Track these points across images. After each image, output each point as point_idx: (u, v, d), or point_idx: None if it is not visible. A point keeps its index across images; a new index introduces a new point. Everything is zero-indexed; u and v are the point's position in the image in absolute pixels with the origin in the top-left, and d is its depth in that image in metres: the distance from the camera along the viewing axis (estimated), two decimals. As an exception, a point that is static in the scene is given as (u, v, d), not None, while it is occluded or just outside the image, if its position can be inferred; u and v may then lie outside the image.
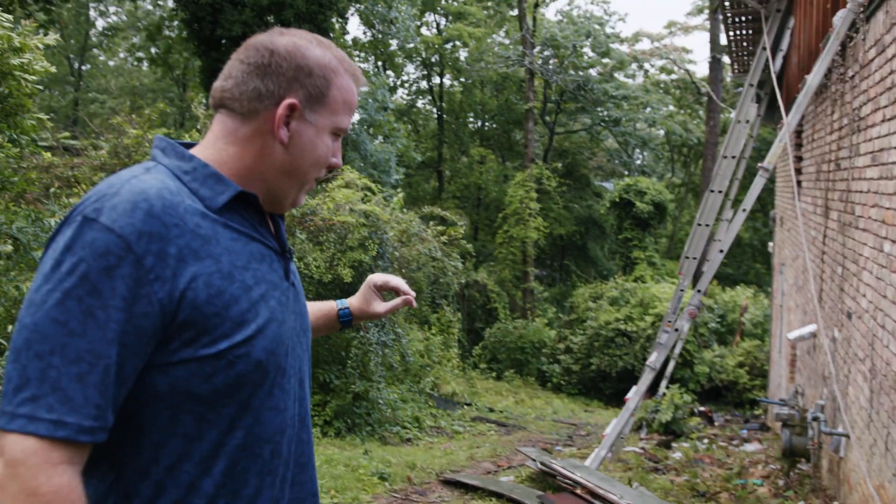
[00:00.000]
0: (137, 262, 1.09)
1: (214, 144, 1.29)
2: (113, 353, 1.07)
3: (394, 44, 21.21)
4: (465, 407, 11.72)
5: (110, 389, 1.08)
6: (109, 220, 1.09)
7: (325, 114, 1.31)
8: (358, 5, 18.34)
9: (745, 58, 10.91)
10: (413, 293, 1.75)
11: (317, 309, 1.74)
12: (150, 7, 24.37)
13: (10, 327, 4.63)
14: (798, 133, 8.17)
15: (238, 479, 1.21)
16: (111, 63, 29.83)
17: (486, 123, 28.60)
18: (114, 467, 1.15)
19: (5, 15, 4.44)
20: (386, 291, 1.80)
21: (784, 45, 8.22)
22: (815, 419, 5.65)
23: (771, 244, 12.31)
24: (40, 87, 4.84)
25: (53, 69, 4.85)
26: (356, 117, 17.09)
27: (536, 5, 23.90)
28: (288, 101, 1.26)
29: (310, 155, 1.31)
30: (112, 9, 27.62)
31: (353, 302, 1.77)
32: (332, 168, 1.38)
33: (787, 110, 6.94)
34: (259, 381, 1.21)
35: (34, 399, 1.04)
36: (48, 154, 7.63)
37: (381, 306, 1.75)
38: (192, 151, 1.29)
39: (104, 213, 1.10)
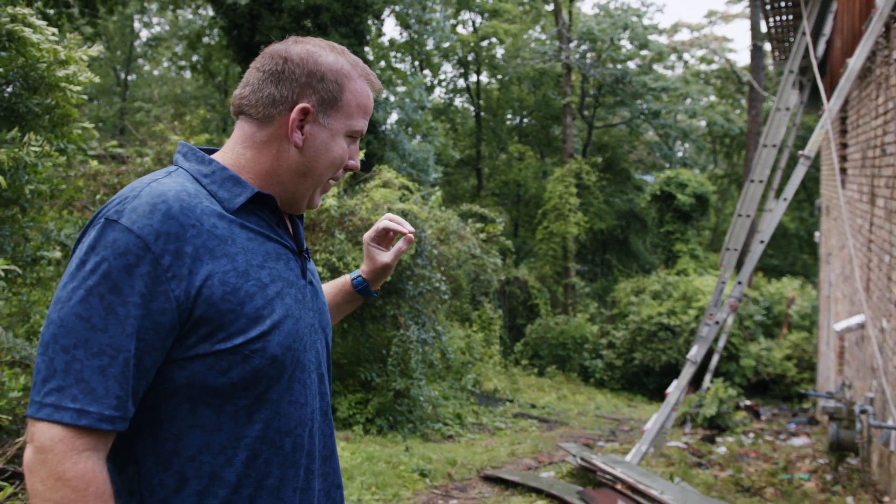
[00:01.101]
0: (155, 261, 1.15)
1: (234, 149, 1.35)
2: (132, 346, 1.14)
3: (430, 43, 21.27)
4: (507, 403, 11.72)
5: (130, 381, 1.15)
6: (129, 222, 1.16)
7: (338, 117, 1.35)
8: (394, 7, 18.45)
9: (787, 44, 10.68)
10: (409, 227, 1.69)
11: (332, 287, 1.75)
12: (190, 16, 24.88)
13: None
14: (842, 119, 7.98)
15: (261, 470, 1.25)
16: (155, 72, 30.52)
17: (524, 120, 28.47)
18: (136, 459, 1.21)
19: (51, 29, 4.60)
20: (382, 244, 1.74)
21: (826, 29, 8.03)
22: (864, 412, 5.51)
23: (817, 234, 12.03)
24: (86, 98, 4.99)
25: (97, 80, 4.99)
26: (394, 117, 17.19)
27: (572, -1, 23.73)
28: (301, 105, 1.31)
29: (324, 157, 1.35)
30: (155, 20, 28.30)
31: (362, 267, 1.75)
32: (348, 170, 1.43)
33: (831, 96, 6.78)
34: (275, 376, 1.26)
35: (60, 389, 1.12)
36: (95, 162, 7.87)
37: (385, 256, 1.72)
38: (214, 156, 1.35)
39: (125, 215, 1.17)
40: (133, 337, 1.14)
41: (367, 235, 1.72)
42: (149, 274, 1.15)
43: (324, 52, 1.35)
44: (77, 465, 1.11)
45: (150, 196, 1.19)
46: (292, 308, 1.30)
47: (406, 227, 1.68)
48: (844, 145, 7.87)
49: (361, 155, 7.69)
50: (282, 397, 1.28)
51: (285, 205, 1.39)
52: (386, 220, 1.70)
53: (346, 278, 1.75)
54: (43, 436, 1.11)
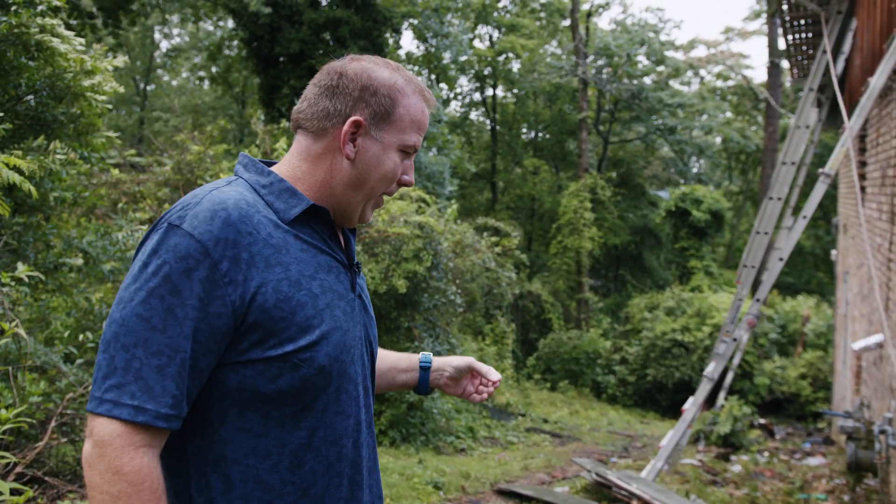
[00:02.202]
0: (214, 266, 1.19)
1: (291, 161, 1.39)
2: (188, 347, 1.18)
3: (447, 57, 21.38)
4: (520, 418, 11.67)
5: (185, 381, 1.18)
6: (191, 227, 1.20)
7: (391, 131, 1.37)
8: (412, 20, 18.59)
9: (805, 62, 10.66)
10: (495, 375, 1.70)
11: (401, 356, 1.74)
12: (210, 28, 25.15)
13: (81, 336, 4.85)
14: (862, 137, 7.94)
15: (305, 478, 1.28)
16: (174, 83, 30.85)
17: (540, 134, 28.52)
18: (186, 459, 1.25)
19: (78, 39, 4.67)
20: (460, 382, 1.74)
21: (846, 47, 8.01)
22: (883, 432, 5.45)
23: (834, 252, 11.95)
24: (109, 108, 5.06)
25: (122, 89, 5.07)
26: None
27: (589, 15, 23.79)
28: (353, 118, 1.34)
29: (376, 170, 1.38)
30: (175, 31, 28.64)
31: (439, 361, 1.73)
32: (402, 185, 1.44)
33: (850, 114, 6.76)
34: (322, 385, 1.29)
35: (119, 386, 1.16)
36: (116, 171, 7.97)
37: (443, 379, 1.71)
38: (272, 168, 1.40)
39: (186, 221, 1.21)
40: (190, 338, 1.18)
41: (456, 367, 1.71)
42: (207, 278, 1.19)
43: (378, 68, 1.38)
44: (134, 460, 1.15)
45: (211, 203, 1.23)
46: (341, 320, 1.33)
47: (493, 375, 1.69)
48: (863, 164, 7.84)
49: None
50: (328, 407, 1.31)
51: (338, 217, 1.42)
52: (478, 365, 1.70)
53: (414, 366, 1.73)
54: (102, 430, 1.15)
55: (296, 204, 1.33)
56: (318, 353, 1.26)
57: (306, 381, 1.26)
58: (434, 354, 8.46)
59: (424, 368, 1.70)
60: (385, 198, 1.48)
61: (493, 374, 1.70)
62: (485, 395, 1.71)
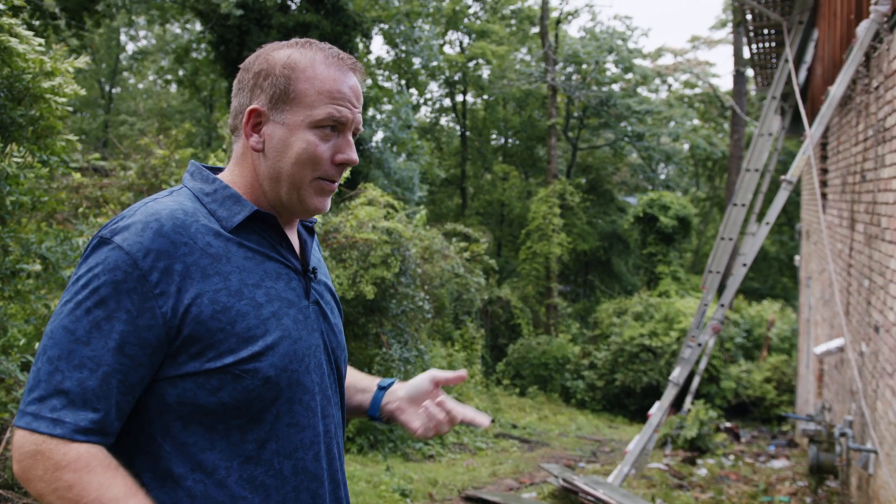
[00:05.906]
0: (143, 278, 1.15)
1: (229, 167, 1.36)
2: (114, 361, 1.14)
3: (417, 62, 21.38)
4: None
5: (112, 396, 1.14)
6: (121, 240, 1.17)
7: (294, 111, 1.28)
8: (382, 25, 18.56)
9: (769, 71, 10.85)
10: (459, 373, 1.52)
11: (361, 380, 1.61)
12: (178, 31, 24.85)
13: (37, 344, 4.74)
14: (823, 145, 8.10)
15: (257, 492, 1.23)
16: (140, 86, 30.41)
17: (509, 140, 28.64)
18: (137, 474, 1.20)
19: (37, 39, 4.57)
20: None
21: (808, 56, 8.18)
22: (843, 435, 5.55)
23: (797, 258, 12.16)
24: (71, 110, 4.96)
25: (83, 92, 4.96)
26: (380, 135, 17.20)
27: (559, 22, 23.98)
28: (249, 107, 1.29)
29: (286, 155, 1.28)
30: (142, 33, 28.24)
31: (396, 389, 1.56)
32: (340, 164, 1.32)
33: (812, 122, 6.88)
34: (270, 397, 1.23)
35: (41, 399, 1.13)
36: (78, 175, 7.80)
37: (415, 422, 1.50)
38: (219, 175, 1.35)
39: (118, 234, 1.18)
40: (115, 352, 1.14)
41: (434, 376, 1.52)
42: (136, 290, 1.15)
43: (279, 50, 1.31)
44: (70, 450, 1.12)
45: (144, 215, 1.21)
46: (290, 329, 1.28)
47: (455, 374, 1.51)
48: (825, 171, 7.99)
49: (347, 172, 7.68)
50: (279, 419, 1.26)
51: (285, 215, 1.35)
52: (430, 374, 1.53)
53: (373, 386, 1.58)
54: (24, 441, 1.12)
55: (239, 211, 1.28)
56: (262, 364, 1.21)
57: (251, 393, 1.21)
58: (402, 361, 8.45)
59: (381, 388, 1.55)
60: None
61: (459, 373, 1.51)
62: (442, 427, 1.47)
